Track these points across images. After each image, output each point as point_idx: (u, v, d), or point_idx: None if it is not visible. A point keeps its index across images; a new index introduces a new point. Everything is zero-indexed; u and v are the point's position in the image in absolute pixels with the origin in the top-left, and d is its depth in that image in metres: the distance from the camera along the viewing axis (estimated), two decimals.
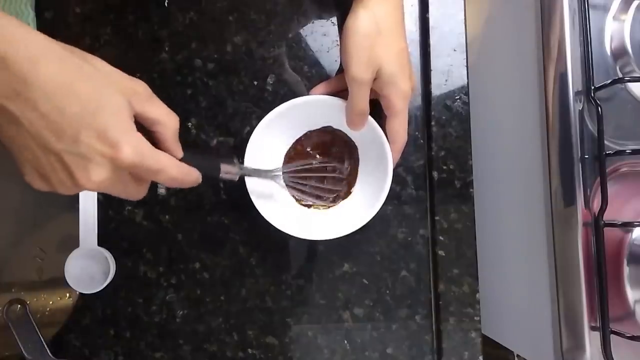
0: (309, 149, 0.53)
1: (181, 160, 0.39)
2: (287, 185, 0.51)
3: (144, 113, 0.35)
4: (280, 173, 0.50)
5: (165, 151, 0.37)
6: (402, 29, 0.47)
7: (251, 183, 0.48)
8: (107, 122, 0.32)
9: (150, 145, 0.35)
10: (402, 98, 0.46)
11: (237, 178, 0.44)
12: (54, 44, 0.32)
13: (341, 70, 0.48)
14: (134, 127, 0.34)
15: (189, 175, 0.38)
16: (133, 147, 0.33)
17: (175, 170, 0.36)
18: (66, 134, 0.31)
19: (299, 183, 0.51)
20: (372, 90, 0.46)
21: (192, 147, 0.44)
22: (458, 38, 0.55)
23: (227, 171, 0.43)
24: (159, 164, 0.35)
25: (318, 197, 0.51)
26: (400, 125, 0.47)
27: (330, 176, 0.52)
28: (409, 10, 0.56)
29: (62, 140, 0.32)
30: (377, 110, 0.48)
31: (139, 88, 0.36)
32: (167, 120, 0.37)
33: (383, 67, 0.44)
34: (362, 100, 0.45)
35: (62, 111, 0.31)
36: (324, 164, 0.52)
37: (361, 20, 0.44)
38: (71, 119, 0.31)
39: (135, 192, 0.37)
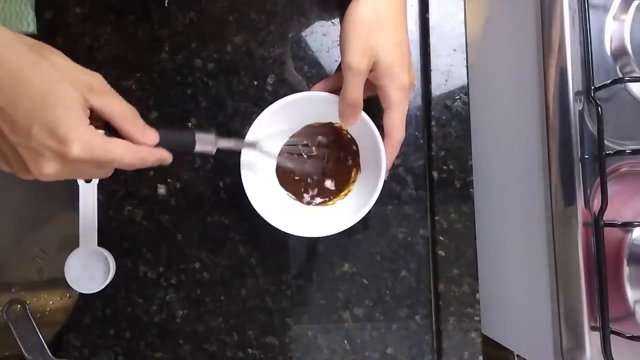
0: (306, 143, 0.53)
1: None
2: (277, 157, 0.51)
3: (100, 108, 0.36)
4: (259, 144, 0.48)
5: (130, 141, 0.37)
6: (403, 20, 0.46)
7: (249, 181, 0.47)
8: (58, 117, 0.33)
9: (102, 138, 0.35)
10: (399, 89, 0.44)
11: (214, 150, 0.43)
12: (13, 40, 0.33)
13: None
14: (85, 121, 0.34)
15: (147, 159, 0.38)
16: (82, 143, 0.33)
17: (130, 157, 0.37)
18: (20, 128, 0.32)
19: (288, 155, 0.51)
20: (369, 85, 0.45)
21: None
22: (458, 38, 0.55)
23: (204, 141, 0.42)
24: (110, 156, 0.35)
25: (306, 178, 0.52)
26: (396, 118, 0.45)
27: (318, 163, 0.52)
28: (409, 10, 0.55)
29: (15, 133, 0.33)
30: (375, 111, 0.48)
31: (95, 82, 0.36)
32: (122, 113, 0.37)
33: (380, 57, 0.43)
34: (355, 90, 0.44)
35: (15, 106, 0.32)
36: (316, 151, 0.52)
37: (362, 7, 0.43)
38: (24, 113, 0.32)
39: (98, 175, 0.38)
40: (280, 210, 0.50)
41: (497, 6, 0.69)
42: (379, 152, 0.47)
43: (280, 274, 0.54)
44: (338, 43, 0.54)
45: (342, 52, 0.44)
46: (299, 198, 0.52)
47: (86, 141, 0.34)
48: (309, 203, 0.52)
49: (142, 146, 0.38)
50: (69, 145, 0.33)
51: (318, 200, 0.52)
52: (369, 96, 0.47)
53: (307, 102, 0.48)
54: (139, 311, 0.54)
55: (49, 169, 0.34)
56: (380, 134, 0.47)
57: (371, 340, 0.54)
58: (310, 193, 0.53)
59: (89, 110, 0.35)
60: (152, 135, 0.39)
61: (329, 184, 0.53)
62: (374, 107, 0.47)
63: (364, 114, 0.47)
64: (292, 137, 0.52)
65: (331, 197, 0.52)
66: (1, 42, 0.33)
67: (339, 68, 0.54)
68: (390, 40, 0.44)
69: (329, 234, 0.47)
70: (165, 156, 0.40)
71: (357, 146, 0.52)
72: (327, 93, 0.48)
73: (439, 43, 0.55)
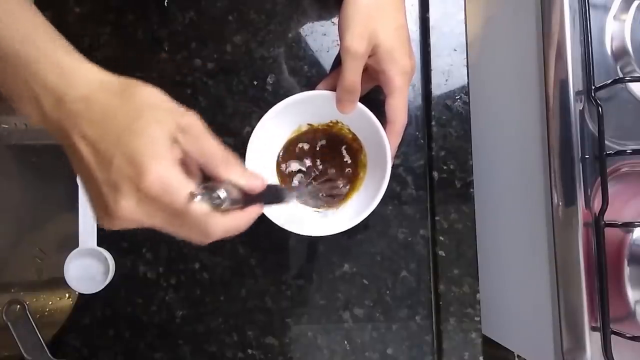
0: (309, 145, 0.52)
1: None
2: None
3: (189, 151, 0.32)
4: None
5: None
6: (402, 5, 0.45)
7: None
8: (139, 146, 0.30)
9: (183, 180, 0.31)
10: (401, 74, 0.44)
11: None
12: (108, 80, 0.33)
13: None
14: (168, 156, 0.31)
15: (243, 220, 0.35)
16: (158, 176, 0.30)
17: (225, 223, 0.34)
18: (103, 159, 0.31)
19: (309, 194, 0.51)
20: (369, 76, 0.45)
21: None
22: (458, 38, 0.55)
23: (290, 196, 0.39)
24: (179, 205, 0.31)
25: (324, 200, 0.51)
26: (399, 103, 0.45)
27: (331, 177, 0.52)
28: (409, 10, 0.55)
29: (100, 166, 0.31)
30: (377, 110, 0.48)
31: (185, 120, 0.32)
32: (216, 156, 0.33)
33: (381, 42, 0.43)
34: (353, 73, 0.43)
35: (103, 138, 0.31)
36: (322, 165, 0.52)
37: None
38: (109, 144, 0.31)
39: (185, 235, 0.34)
40: (284, 209, 0.50)
41: (497, 6, 0.69)
42: (384, 146, 0.46)
43: (280, 274, 0.54)
44: (338, 43, 0.54)
45: (341, 36, 0.44)
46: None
47: (162, 175, 0.30)
48: (316, 206, 0.52)
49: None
50: (143, 174, 0.30)
51: (325, 201, 0.52)
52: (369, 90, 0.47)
53: (308, 102, 0.48)
54: (138, 311, 0.53)
55: (125, 204, 0.30)
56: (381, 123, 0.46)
57: (371, 341, 0.54)
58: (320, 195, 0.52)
59: (179, 150, 0.32)
60: (256, 181, 0.34)
61: (336, 186, 0.52)
62: (374, 104, 0.47)
63: (365, 108, 0.46)
64: (294, 140, 0.52)
65: (340, 199, 0.52)
66: (90, 81, 0.32)
67: (337, 60, 0.54)
68: (390, 24, 0.44)
69: (336, 232, 0.47)
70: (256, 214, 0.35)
71: (361, 144, 0.51)
72: (327, 91, 0.48)
73: (439, 43, 0.55)
